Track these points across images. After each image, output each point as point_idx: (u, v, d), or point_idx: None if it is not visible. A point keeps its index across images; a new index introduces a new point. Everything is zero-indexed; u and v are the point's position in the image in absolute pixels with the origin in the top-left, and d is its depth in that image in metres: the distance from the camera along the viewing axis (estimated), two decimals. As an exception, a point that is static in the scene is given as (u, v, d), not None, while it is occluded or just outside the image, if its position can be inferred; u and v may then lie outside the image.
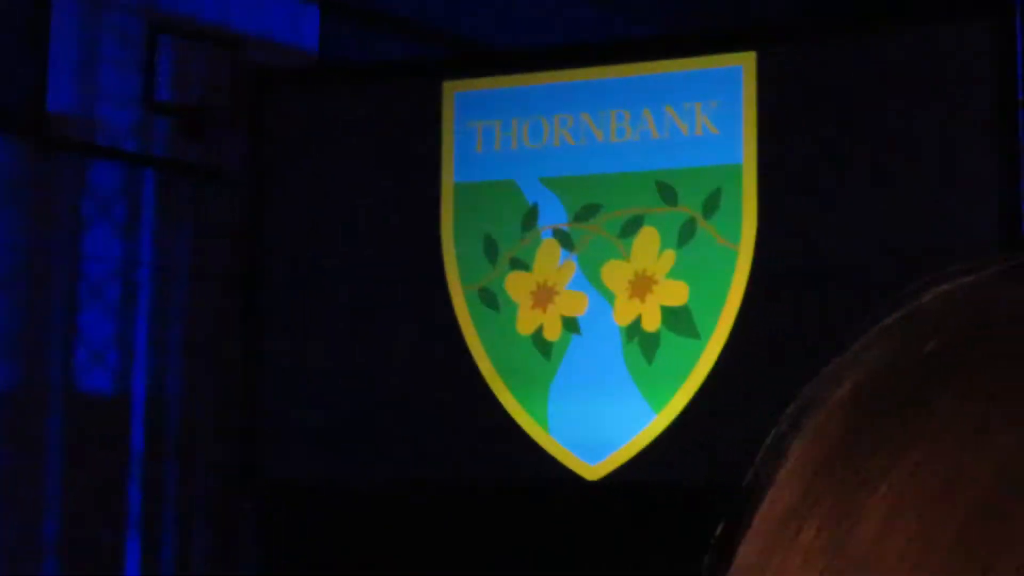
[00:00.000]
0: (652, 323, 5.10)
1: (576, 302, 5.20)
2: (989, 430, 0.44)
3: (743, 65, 5.09)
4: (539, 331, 5.22)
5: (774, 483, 0.48)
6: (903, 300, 0.51)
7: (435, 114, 5.41)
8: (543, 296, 5.23)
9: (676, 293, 5.09)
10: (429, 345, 5.34)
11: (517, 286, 5.27)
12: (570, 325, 5.19)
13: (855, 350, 0.50)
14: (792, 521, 0.46)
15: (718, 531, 0.53)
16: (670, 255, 5.11)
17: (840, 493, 0.45)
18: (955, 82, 4.88)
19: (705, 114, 5.11)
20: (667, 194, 5.12)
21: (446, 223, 5.36)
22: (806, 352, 4.90)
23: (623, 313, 5.14)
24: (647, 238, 5.14)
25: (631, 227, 5.16)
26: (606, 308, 5.16)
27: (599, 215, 5.20)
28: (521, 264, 5.27)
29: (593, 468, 5.12)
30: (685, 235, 5.10)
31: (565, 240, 5.24)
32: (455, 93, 5.41)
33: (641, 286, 5.13)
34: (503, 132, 5.34)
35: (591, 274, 5.19)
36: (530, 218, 5.28)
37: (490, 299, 5.29)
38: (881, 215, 4.90)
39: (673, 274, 5.10)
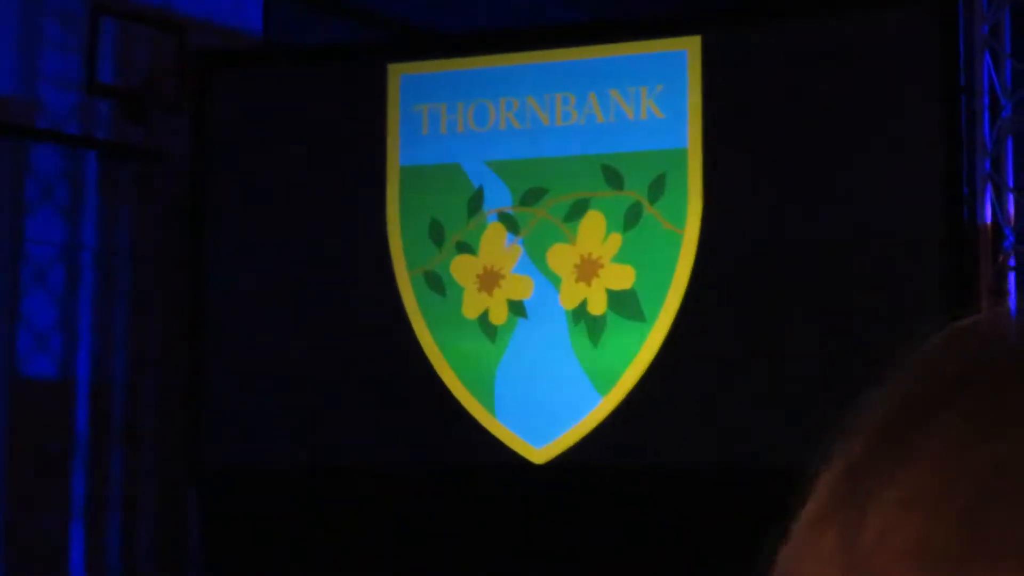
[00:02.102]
0: (598, 307, 5.12)
1: (522, 286, 5.20)
2: (984, 434, 0.52)
3: (688, 49, 5.11)
4: (485, 315, 5.22)
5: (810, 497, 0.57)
6: (930, 335, 0.58)
7: (380, 97, 5.39)
8: (489, 280, 5.24)
9: (622, 277, 5.11)
10: (375, 329, 5.33)
11: (463, 270, 5.27)
12: (516, 309, 5.20)
13: (892, 378, 0.58)
14: (817, 525, 0.55)
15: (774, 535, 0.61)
16: (616, 239, 5.12)
17: (852, 502, 0.53)
18: (899, 67, 4.91)
19: (650, 98, 5.12)
20: (612, 178, 5.13)
21: (391, 206, 5.35)
22: (751, 335, 4.93)
23: (569, 297, 5.15)
24: (593, 222, 5.15)
25: (577, 211, 5.17)
26: (552, 292, 5.17)
27: (544, 199, 5.20)
28: (467, 247, 5.27)
29: (539, 451, 5.13)
30: (631, 219, 5.11)
31: (511, 224, 5.24)
32: (400, 76, 5.39)
33: (587, 270, 5.14)
34: (448, 115, 5.34)
35: (537, 258, 5.20)
36: (475, 201, 5.27)
37: (436, 283, 5.29)
38: (825, 199, 4.92)
39: (619, 258, 5.11)
